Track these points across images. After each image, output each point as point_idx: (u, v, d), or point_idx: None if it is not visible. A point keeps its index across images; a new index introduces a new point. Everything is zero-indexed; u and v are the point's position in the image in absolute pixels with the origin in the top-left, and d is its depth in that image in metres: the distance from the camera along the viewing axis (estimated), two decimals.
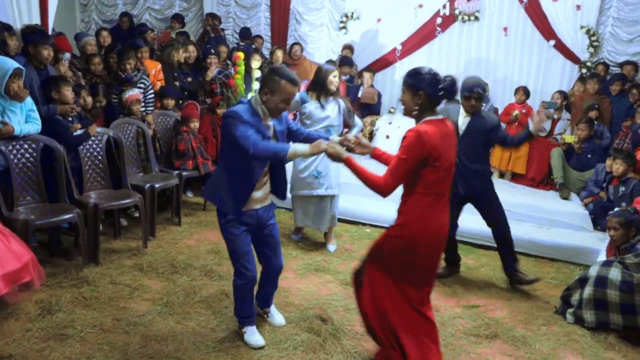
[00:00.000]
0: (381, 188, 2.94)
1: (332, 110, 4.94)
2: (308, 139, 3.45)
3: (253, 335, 3.59)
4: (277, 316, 3.86)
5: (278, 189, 3.51)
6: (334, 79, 4.88)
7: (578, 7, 7.82)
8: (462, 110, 4.55)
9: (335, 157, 3.04)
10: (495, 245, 4.85)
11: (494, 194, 4.67)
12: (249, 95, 6.64)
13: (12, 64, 4.13)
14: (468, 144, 4.43)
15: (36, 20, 5.97)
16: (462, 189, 4.54)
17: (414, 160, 2.91)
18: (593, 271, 4.14)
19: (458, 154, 4.42)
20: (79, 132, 4.75)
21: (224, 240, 3.45)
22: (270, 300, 3.86)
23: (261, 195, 3.40)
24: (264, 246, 3.56)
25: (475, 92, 4.41)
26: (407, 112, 3.12)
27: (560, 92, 7.58)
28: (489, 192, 4.65)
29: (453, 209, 4.67)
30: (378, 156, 3.34)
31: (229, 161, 3.29)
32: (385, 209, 5.86)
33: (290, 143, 3.07)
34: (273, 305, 3.89)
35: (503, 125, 7.51)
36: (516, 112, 7.33)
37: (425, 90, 2.98)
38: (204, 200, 6.21)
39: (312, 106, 4.92)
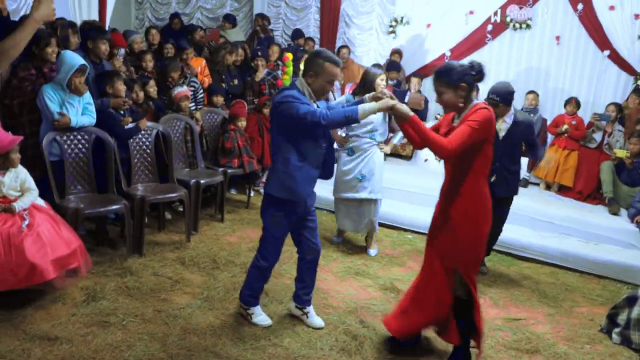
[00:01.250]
0: (445, 149, 3.04)
1: (376, 115, 4.92)
2: None
3: (261, 315, 3.75)
4: (316, 318, 3.84)
5: (325, 168, 3.59)
6: (381, 82, 4.87)
7: (637, 16, 7.55)
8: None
9: (401, 116, 3.12)
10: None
11: None
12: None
13: (79, 61, 4.32)
14: (508, 147, 4.64)
15: (94, 16, 6.16)
16: (501, 191, 4.61)
17: (480, 135, 3.07)
18: None
19: (499, 157, 4.56)
20: (130, 125, 4.87)
21: (263, 220, 3.57)
22: (310, 297, 3.87)
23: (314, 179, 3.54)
24: (305, 230, 3.65)
25: (489, 99, 4.56)
26: (453, 109, 3.26)
27: (615, 104, 7.31)
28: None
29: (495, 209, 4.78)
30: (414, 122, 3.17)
31: (290, 149, 3.35)
32: (427, 215, 5.80)
33: (357, 106, 3.19)
34: (312, 307, 3.89)
35: (551, 137, 7.39)
36: (565, 126, 7.16)
37: (464, 81, 3.14)
38: (247, 198, 6.28)
39: None
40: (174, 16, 9.48)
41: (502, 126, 4.63)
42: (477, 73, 3.19)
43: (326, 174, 3.64)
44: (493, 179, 4.64)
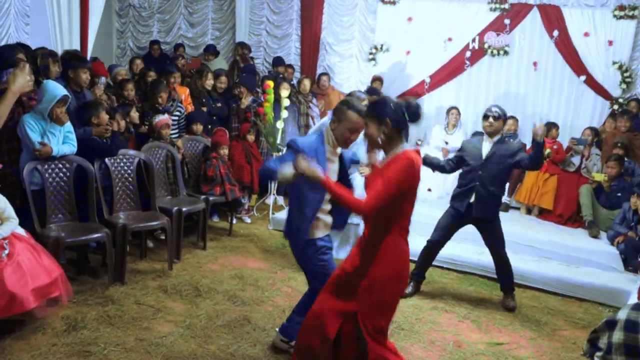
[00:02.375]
0: (362, 209, 2.85)
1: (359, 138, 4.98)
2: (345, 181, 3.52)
3: None
4: None
5: (336, 218, 3.56)
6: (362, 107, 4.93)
7: (610, 42, 7.78)
8: (485, 137, 4.84)
9: (313, 179, 2.90)
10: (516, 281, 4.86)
11: (499, 218, 4.90)
12: (278, 124, 6.77)
13: (61, 91, 4.32)
14: (490, 168, 4.72)
15: (76, 46, 6.17)
16: (477, 210, 4.75)
17: (400, 187, 2.81)
18: (622, 314, 4.00)
19: (480, 176, 4.70)
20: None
21: (308, 273, 3.54)
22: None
23: (330, 221, 3.51)
24: None
25: (492, 112, 4.70)
26: (373, 145, 3.00)
27: (592, 128, 7.49)
28: (498, 215, 4.88)
29: (452, 227, 4.87)
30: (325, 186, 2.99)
31: (295, 191, 3.44)
32: (410, 242, 5.85)
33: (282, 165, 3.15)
34: None
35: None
36: (548, 150, 7.27)
37: (390, 117, 2.89)
38: (230, 226, 6.26)
39: None
40: (153, 43, 9.58)
41: (486, 145, 4.77)
42: (410, 114, 2.91)
43: (338, 226, 3.60)
44: (472, 199, 4.75)
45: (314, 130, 5.24)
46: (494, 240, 4.86)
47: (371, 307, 2.95)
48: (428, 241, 5.01)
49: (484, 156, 4.75)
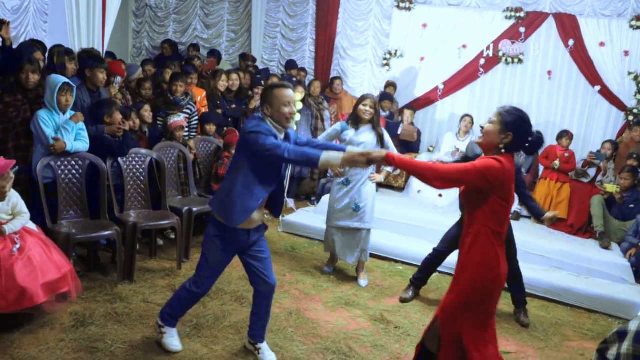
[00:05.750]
0: (437, 174, 2.84)
1: (366, 138, 4.99)
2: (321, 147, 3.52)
3: (173, 338, 3.64)
4: (268, 353, 3.68)
5: (274, 205, 3.56)
6: (363, 107, 4.98)
7: (626, 52, 7.76)
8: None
9: (375, 160, 3.02)
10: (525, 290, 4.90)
11: (510, 227, 4.73)
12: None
13: (62, 79, 4.35)
14: None
15: (93, 44, 6.22)
16: None
17: (484, 179, 2.82)
18: (633, 325, 3.92)
19: None
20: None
21: (203, 247, 3.46)
22: (264, 333, 3.73)
23: (258, 216, 3.42)
24: (253, 261, 3.52)
25: None
26: (486, 145, 3.00)
27: (612, 142, 7.41)
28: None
29: (459, 237, 4.76)
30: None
31: (242, 174, 3.28)
32: (418, 247, 5.85)
33: (323, 151, 3.09)
34: (265, 342, 3.74)
35: (541, 167, 7.45)
36: (557, 162, 7.22)
37: (514, 134, 2.91)
38: None
39: (351, 133, 5.03)
40: (165, 42, 9.67)
41: None
42: (530, 143, 2.94)
43: (275, 213, 3.62)
44: None
45: (324, 136, 5.24)
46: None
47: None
48: (434, 249, 4.98)
49: None
